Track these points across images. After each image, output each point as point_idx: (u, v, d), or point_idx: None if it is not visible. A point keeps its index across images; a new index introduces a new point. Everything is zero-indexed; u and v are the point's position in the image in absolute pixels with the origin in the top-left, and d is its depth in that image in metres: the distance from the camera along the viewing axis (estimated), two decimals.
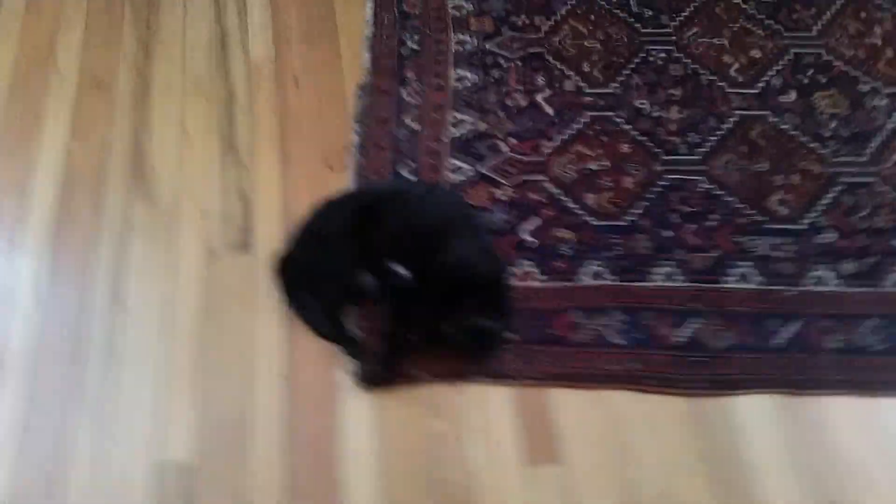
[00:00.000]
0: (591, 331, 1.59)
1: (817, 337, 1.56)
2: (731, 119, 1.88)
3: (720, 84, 1.94)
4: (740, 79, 1.95)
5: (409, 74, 2.01)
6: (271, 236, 1.76)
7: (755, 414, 1.50)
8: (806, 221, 1.72)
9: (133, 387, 1.59)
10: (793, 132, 1.85)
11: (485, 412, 1.52)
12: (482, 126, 1.89)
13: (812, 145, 1.83)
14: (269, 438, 1.51)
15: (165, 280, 1.73)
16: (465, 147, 1.86)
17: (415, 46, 2.07)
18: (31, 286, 1.73)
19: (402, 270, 1.53)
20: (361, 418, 1.52)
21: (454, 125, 1.90)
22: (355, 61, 2.07)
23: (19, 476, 1.49)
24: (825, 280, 1.63)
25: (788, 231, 1.70)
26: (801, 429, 1.49)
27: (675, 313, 1.60)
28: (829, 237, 1.69)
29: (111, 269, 1.75)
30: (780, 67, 1.97)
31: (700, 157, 1.82)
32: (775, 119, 1.87)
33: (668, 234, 1.71)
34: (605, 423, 1.50)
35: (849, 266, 1.65)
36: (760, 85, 1.94)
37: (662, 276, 1.65)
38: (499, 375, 1.54)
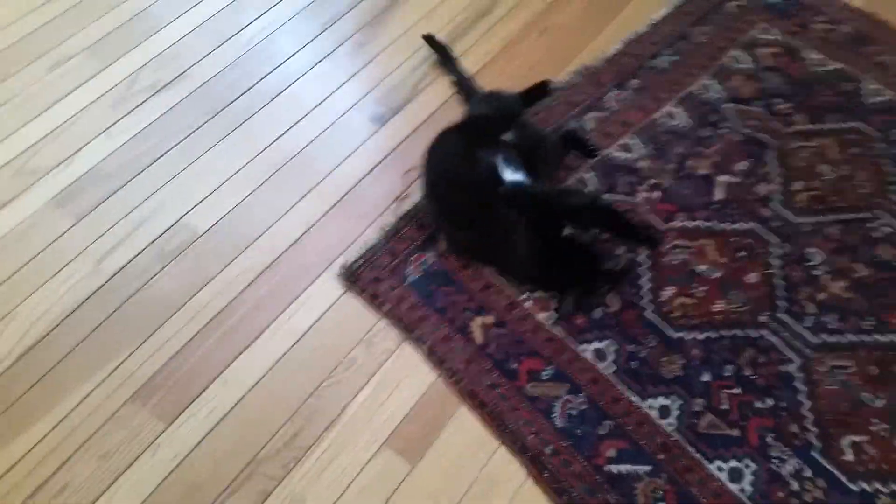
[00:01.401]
0: (545, 392, 1.43)
1: None
2: (890, 337, 1.49)
3: None
4: None
5: (634, 83, 1.89)
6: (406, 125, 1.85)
7: None
8: (863, 488, 1.33)
9: (222, 158, 1.83)
10: None
11: (402, 376, 1.49)
12: (643, 164, 1.73)
13: None
14: (260, 257, 1.65)
15: (313, 100, 1.92)
16: (610, 170, 1.73)
17: (664, 65, 1.92)
18: (248, 35, 2.07)
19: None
20: (319, 302, 1.59)
21: (621, 147, 1.76)
22: (608, 44, 1.99)
23: (113, 156, 1.84)
24: None
25: (833, 479, 1.34)
26: None
27: (633, 446, 1.38)
28: None
29: (296, 62, 2.00)
30: None
31: (816, 343, 1.48)
32: None
33: (706, 378, 1.45)
34: (477, 470, 1.37)
35: None
36: None
37: (657, 407, 1.42)
38: (441, 359, 1.47)
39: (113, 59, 2.02)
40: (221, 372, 1.50)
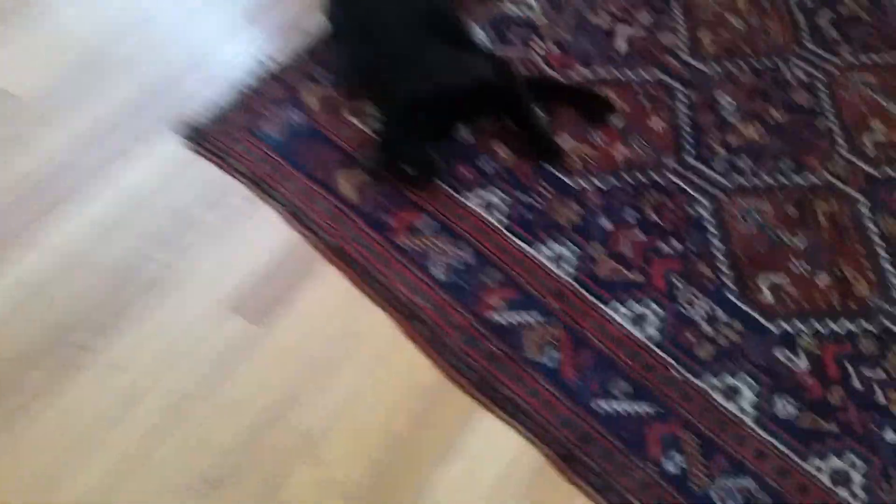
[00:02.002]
0: (422, 246, 1.24)
1: (655, 445, 1.07)
2: (812, 178, 1.34)
3: (839, 141, 1.39)
4: (869, 153, 1.38)
5: None
6: None
7: (493, 442, 1.08)
8: (784, 328, 1.18)
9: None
10: (878, 239, 1.27)
11: (254, 237, 1.27)
12: (540, 20, 1.55)
13: (884, 265, 1.25)
14: (82, 121, 1.39)
15: None
16: (501, 23, 1.54)
17: None
18: None
19: None
20: (157, 164, 1.34)
21: (515, 2, 1.59)
22: None
23: None
24: (738, 392, 1.11)
25: (751, 321, 1.18)
26: None
27: (522, 295, 1.19)
28: (796, 363, 1.14)
29: None
30: None
31: (728, 185, 1.32)
32: (866, 211, 1.30)
33: (606, 225, 1.27)
34: (340, 328, 1.17)
35: (783, 405, 1.10)
36: (888, 171, 1.35)
37: (552, 255, 1.23)
38: (303, 216, 1.26)
39: None
40: (25, 237, 1.23)
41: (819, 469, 1.06)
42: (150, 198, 1.30)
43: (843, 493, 1.04)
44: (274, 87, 1.43)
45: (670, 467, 1.05)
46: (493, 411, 1.09)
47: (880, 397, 1.12)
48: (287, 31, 1.52)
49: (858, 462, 1.07)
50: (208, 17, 1.58)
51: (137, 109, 1.41)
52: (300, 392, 1.10)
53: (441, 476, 1.04)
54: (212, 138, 1.35)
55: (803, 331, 1.17)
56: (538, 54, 1.49)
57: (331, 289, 1.20)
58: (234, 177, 1.32)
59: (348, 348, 1.14)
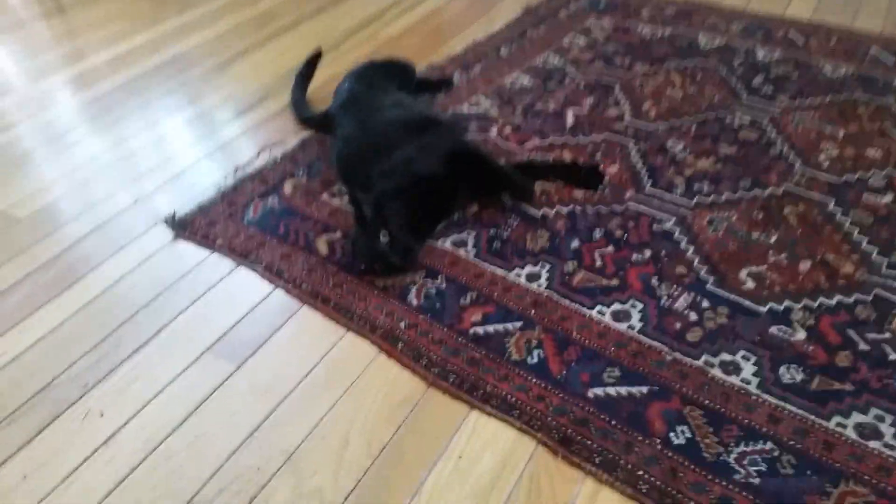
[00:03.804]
0: (399, 282, 1.24)
1: (658, 420, 0.99)
2: (775, 190, 1.37)
3: (794, 162, 1.44)
4: (825, 166, 1.43)
5: (477, 67, 1.91)
6: None
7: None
8: (773, 308, 1.13)
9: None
10: (852, 226, 1.27)
11: (232, 294, 1.28)
12: (493, 112, 1.70)
13: (865, 247, 1.23)
14: (78, 228, 1.46)
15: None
16: (461, 120, 1.68)
17: (504, 54, 1.97)
18: None
19: None
20: (141, 251, 1.39)
21: (471, 104, 1.74)
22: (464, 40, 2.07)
23: None
24: (737, 366, 1.04)
25: (737, 305, 1.14)
26: None
27: (500, 309, 1.17)
28: (794, 335, 1.09)
29: None
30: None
31: (691, 203, 1.35)
32: (834, 207, 1.32)
33: (575, 244, 1.28)
34: (318, 358, 1.13)
35: (789, 373, 1.03)
36: (850, 178, 1.39)
37: (524, 275, 1.23)
38: (279, 272, 1.28)
39: None
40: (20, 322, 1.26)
41: (842, 426, 0.96)
42: (131, 277, 1.34)
43: (875, 444, 0.94)
44: (255, 184, 1.52)
45: (678, 439, 0.96)
46: (481, 409, 1.02)
47: (892, 355, 1.05)
48: (266, 143, 1.66)
49: (886, 415, 0.97)
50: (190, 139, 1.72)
51: (125, 214, 1.50)
52: (281, 416, 1.04)
53: (432, 478, 0.95)
54: (195, 225, 1.42)
55: (794, 307, 1.13)
56: (496, 135, 1.60)
57: (308, 327, 1.19)
58: (214, 251, 1.36)
59: (327, 374, 1.10)
